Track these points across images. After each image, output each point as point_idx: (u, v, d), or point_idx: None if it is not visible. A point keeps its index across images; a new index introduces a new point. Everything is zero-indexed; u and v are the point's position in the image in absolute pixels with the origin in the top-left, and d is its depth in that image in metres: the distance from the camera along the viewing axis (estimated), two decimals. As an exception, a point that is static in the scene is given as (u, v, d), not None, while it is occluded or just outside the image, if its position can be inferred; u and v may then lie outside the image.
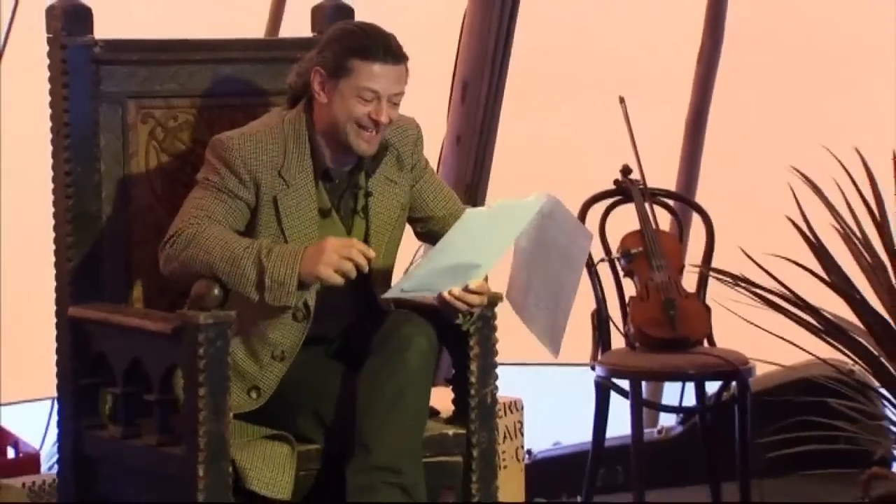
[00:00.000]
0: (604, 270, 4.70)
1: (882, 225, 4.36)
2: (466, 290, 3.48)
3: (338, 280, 3.39)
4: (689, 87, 5.50)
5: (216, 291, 3.39)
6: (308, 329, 3.51)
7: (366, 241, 3.55)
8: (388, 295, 3.47)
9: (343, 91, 3.48)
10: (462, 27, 5.14)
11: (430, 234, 3.66)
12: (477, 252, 3.44)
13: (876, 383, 4.39)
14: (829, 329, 4.36)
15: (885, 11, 5.37)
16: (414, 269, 3.46)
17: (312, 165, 3.52)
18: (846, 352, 4.37)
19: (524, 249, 3.55)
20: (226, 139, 3.50)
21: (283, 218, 3.50)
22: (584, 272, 4.64)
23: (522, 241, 3.52)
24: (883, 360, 4.32)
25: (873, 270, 4.36)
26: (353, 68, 3.46)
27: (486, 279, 3.54)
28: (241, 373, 3.49)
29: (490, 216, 3.45)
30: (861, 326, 4.37)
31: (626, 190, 4.78)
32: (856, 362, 4.39)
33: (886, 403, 4.33)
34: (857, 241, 4.38)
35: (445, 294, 3.48)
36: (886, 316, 4.33)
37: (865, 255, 4.37)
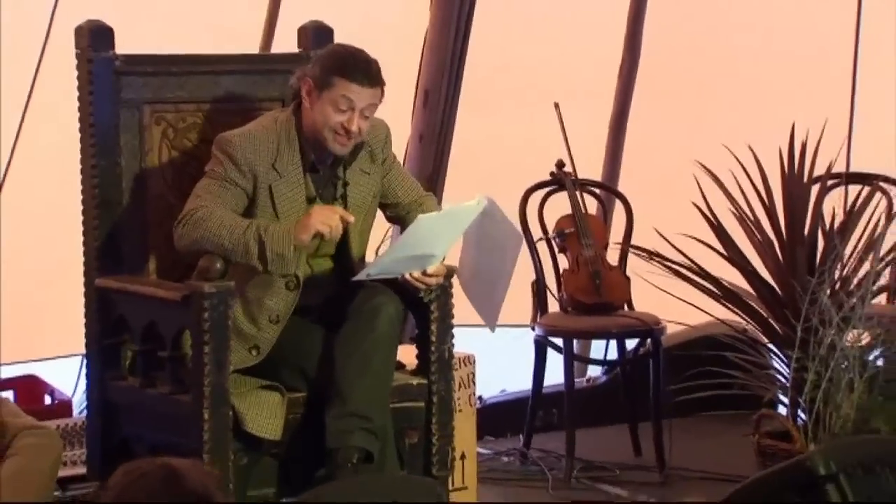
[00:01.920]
0: (542, 247, 4.71)
1: (770, 209, 4.39)
2: (425, 273, 3.50)
3: (320, 234, 3.38)
4: (612, 95, 5.51)
5: (219, 265, 3.38)
6: (298, 297, 3.49)
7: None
8: (357, 278, 3.49)
9: (324, 100, 3.48)
10: (424, 43, 5.12)
11: (397, 218, 3.68)
12: (430, 245, 3.47)
13: (765, 339, 4.42)
14: (726, 295, 4.39)
15: (775, 34, 5.39)
16: (378, 258, 3.49)
17: (301, 160, 3.51)
18: (740, 314, 4.40)
19: (470, 241, 3.60)
20: (229, 136, 3.50)
21: (277, 203, 3.49)
22: (525, 249, 4.65)
23: (469, 233, 3.56)
24: (770, 320, 4.35)
25: (763, 247, 4.39)
26: (334, 84, 3.46)
27: (443, 260, 3.55)
28: (244, 335, 3.48)
29: (440, 218, 3.50)
30: (752, 293, 4.39)
31: (561, 180, 4.78)
32: (748, 322, 4.42)
33: (773, 356, 4.36)
34: (749, 223, 4.40)
35: (407, 276, 3.51)
36: (773, 284, 4.36)
37: (756, 234, 4.39)
